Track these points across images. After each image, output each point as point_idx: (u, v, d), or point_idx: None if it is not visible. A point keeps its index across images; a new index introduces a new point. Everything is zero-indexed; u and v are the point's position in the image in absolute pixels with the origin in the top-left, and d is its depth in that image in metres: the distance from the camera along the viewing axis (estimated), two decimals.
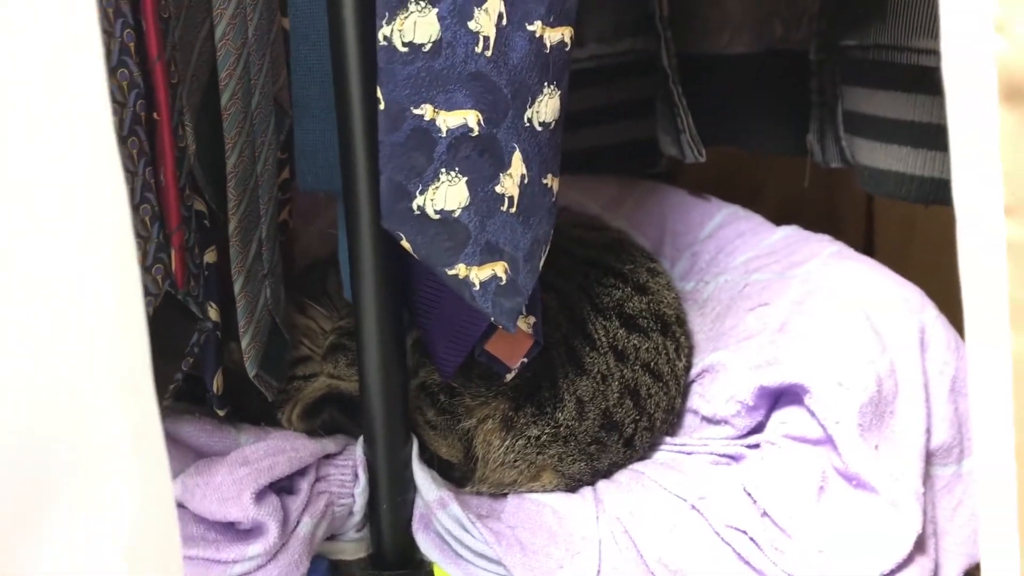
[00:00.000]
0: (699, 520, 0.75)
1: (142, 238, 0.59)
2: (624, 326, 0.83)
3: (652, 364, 0.83)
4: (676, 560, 0.73)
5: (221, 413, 0.77)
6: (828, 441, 0.78)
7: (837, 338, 0.81)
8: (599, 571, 0.73)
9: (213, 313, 0.73)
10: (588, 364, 0.80)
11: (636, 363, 0.82)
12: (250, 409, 0.82)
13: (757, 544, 0.74)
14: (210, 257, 0.73)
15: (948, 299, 0.83)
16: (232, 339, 0.74)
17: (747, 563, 0.73)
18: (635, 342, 0.83)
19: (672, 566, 0.73)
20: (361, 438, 0.76)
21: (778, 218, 1.02)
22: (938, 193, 0.91)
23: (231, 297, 0.72)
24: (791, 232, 1.00)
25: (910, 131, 0.90)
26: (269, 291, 0.75)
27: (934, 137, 0.89)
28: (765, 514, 0.75)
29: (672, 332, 0.87)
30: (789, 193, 1.19)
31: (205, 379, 0.74)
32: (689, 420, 0.88)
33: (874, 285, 0.86)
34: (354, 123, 0.68)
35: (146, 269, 0.60)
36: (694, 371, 0.89)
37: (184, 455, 0.76)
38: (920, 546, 0.74)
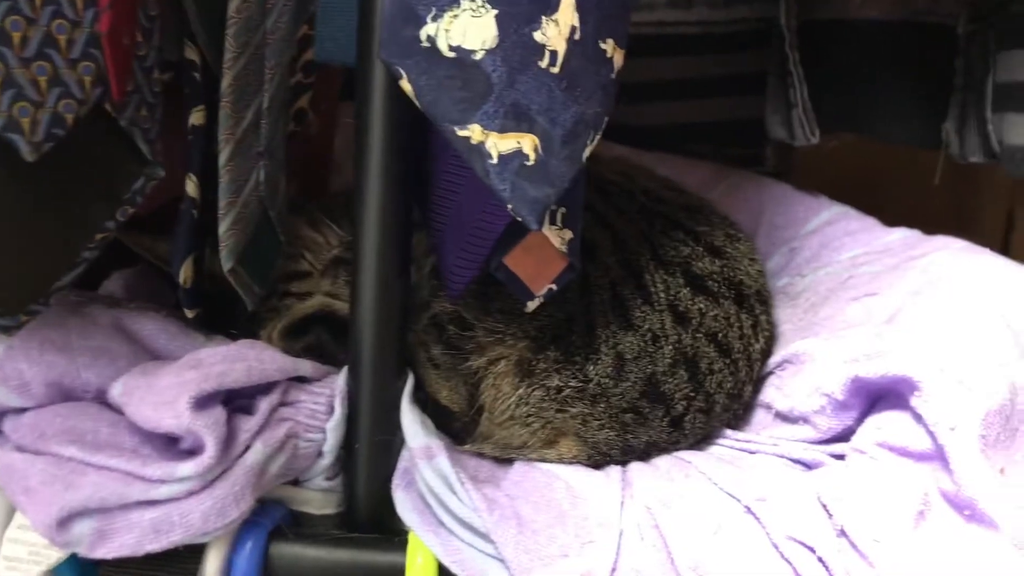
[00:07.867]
0: (754, 526, 0.58)
1: (70, 21, 0.47)
2: (690, 285, 0.68)
3: (720, 336, 0.67)
4: (716, 571, 0.56)
5: (189, 314, 0.64)
6: (938, 456, 0.60)
7: (961, 333, 0.64)
8: (615, 569, 0.56)
9: (191, 187, 0.61)
10: (637, 319, 0.64)
11: (699, 330, 0.66)
12: (233, 326, 0.69)
13: (827, 567, 0.56)
14: (197, 118, 0.60)
15: None
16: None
17: None
18: (701, 306, 0.67)
19: None
20: (346, 368, 0.62)
21: (900, 224, 0.86)
22: None
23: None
24: (911, 233, 0.84)
25: None
26: (263, 174, 0.62)
27: None
28: (843, 533, 0.58)
29: (750, 305, 0.71)
30: (913, 199, 1.02)
31: (172, 265, 0.62)
32: (760, 416, 0.71)
33: (1013, 280, 0.69)
34: None
35: (71, 63, 0.47)
36: (773, 360, 0.73)
37: (138, 356, 0.63)
38: None
